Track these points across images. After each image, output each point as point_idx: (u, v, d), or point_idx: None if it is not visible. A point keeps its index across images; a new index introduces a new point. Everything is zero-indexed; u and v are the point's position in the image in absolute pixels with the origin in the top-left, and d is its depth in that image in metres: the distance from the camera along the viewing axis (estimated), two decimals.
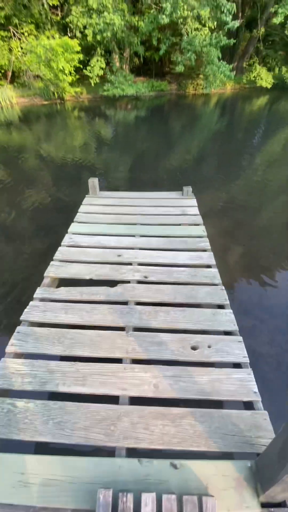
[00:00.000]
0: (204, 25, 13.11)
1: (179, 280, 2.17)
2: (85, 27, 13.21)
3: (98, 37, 13.11)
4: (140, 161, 6.62)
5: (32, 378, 1.48)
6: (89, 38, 13.08)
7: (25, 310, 1.91)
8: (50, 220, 3.93)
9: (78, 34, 13.52)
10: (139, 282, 2.18)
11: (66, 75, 12.85)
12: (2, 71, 14.27)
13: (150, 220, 2.96)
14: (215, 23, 13.03)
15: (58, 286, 2.18)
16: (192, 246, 2.55)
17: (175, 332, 1.78)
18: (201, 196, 3.68)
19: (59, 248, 2.51)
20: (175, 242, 2.61)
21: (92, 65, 13.95)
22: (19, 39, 13.81)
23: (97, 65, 13.97)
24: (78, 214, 3.06)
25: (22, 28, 13.82)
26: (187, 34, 13.09)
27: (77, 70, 13.55)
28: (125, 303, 2.00)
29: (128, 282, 2.17)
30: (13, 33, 13.89)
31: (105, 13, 12.36)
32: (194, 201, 3.33)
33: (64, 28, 14.73)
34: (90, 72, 13.98)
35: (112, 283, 2.15)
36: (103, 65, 14.17)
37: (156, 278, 2.19)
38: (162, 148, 7.44)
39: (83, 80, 14.75)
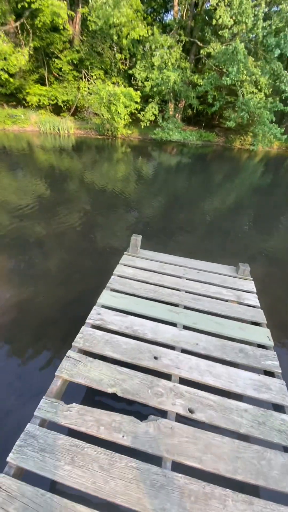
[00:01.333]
0: (260, 90, 13.46)
1: (241, 430, 1.45)
2: (146, 79, 14.19)
3: (155, 89, 13.99)
4: (174, 204, 6.25)
5: None
6: (147, 89, 14.00)
7: (17, 443, 1.29)
8: (78, 271, 3.46)
9: (140, 84, 14.49)
10: (181, 417, 1.51)
11: (121, 119, 13.56)
12: (68, 105, 15.40)
13: (197, 303, 2.32)
14: (271, 90, 13.36)
15: (69, 401, 1.55)
16: (253, 362, 1.85)
17: None
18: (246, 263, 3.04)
19: (83, 328, 1.92)
20: (231, 349, 1.93)
21: (146, 110, 14.69)
22: (88, 80, 15.02)
23: (150, 111, 14.68)
24: (112, 277, 2.52)
25: (92, 71, 15.06)
26: (243, 96, 13.45)
27: (132, 113, 14.27)
28: (157, 461, 1.30)
29: (165, 413, 1.51)
30: (84, 75, 15.18)
31: (165, 70, 13.22)
32: (251, 285, 2.66)
33: (129, 77, 15.90)
34: (143, 116, 14.69)
35: (141, 413, 1.50)
36: (156, 112, 14.84)
37: (206, 417, 1.49)
38: (199, 194, 7.11)
39: (136, 122, 15.46)
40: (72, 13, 13.74)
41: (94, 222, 4.76)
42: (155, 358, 1.78)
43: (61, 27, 13.21)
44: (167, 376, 1.71)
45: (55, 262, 3.54)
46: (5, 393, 1.98)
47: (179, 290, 2.46)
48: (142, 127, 15.01)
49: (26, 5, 11.79)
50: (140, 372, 1.68)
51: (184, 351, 1.87)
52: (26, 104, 15.05)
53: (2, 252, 3.60)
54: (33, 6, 11.85)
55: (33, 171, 7.78)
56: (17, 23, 13.04)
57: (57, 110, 15.73)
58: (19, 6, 12.02)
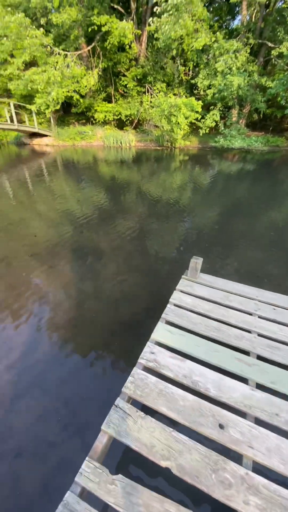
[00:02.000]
0: None
1: None
2: (208, 87, 13.78)
3: (217, 96, 13.44)
4: (235, 215, 5.61)
5: None
6: (209, 97, 13.56)
7: None
8: (130, 292, 3.28)
9: (202, 92, 14.14)
10: None
11: (180, 129, 13.41)
12: (130, 119, 16.01)
13: (275, 353, 1.83)
14: None
15: (114, 463, 1.31)
16: None
17: None
18: None
19: (134, 370, 1.66)
20: None
21: (206, 118, 14.21)
22: (151, 94, 15.35)
23: (211, 117, 14.14)
24: (168, 306, 2.22)
25: (155, 85, 15.34)
26: None
27: (192, 122, 13.97)
28: None
29: None
30: (148, 89, 15.59)
31: (228, 76, 12.58)
32: None
33: (191, 86, 15.71)
34: (202, 123, 14.23)
35: (202, 502, 1.15)
36: (217, 118, 14.20)
37: None
38: (264, 205, 6.27)
39: (195, 131, 15.08)
40: (139, 31, 14.29)
41: (147, 235, 4.58)
42: (221, 426, 1.40)
43: (127, 46, 13.86)
44: (237, 456, 1.32)
45: (104, 277, 3.43)
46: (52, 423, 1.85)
47: (249, 331, 2.01)
48: (201, 134, 14.56)
49: (96, 28, 12.74)
50: (201, 445, 1.33)
51: (259, 421, 1.45)
52: (93, 121, 16.19)
53: (54, 262, 3.68)
54: (103, 29, 12.72)
55: (95, 182, 8.13)
56: (89, 47, 14.19)
57: (120, 124, 16.49)
58: (89, 29, 13.06)
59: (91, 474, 1.20)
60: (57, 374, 2.19)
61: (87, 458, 1.26)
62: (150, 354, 1.77)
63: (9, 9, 12.19)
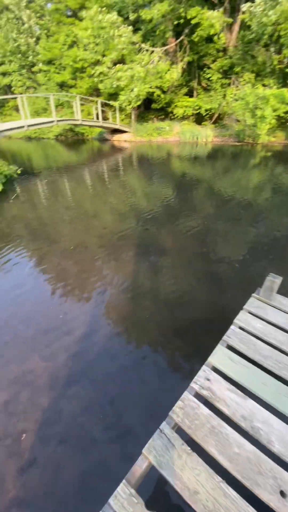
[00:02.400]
0: None
1: None
2: None
3: None
4: None
5: None
6: None
7: None
8: (189, 299, 3.08)
9: None
10: None
11: (266, 124, 12.05)
12: (210, 113, 15.26)
13: None
14: None
15: (149, 501, 1.18)
16: None
17: None
18: None
19: (185, 395, 1.48)
20: None
21: None
22: (236, 86, 14.24)
23: None
24: (232, 328, 1.95)
25: (242, 76, 14.14)
26: None
27: (279, 116, 12.38)
28: None
29: None
30: (233, 81, 14.51)
31: None
32: None
33: (284, 76, 13.89)
34: None
35: None
36: None
37: None
38: None
39: (283, 124, 13.33)
40: (230, 20, 13.29)
41: (214, 238, 4.23)
42: (283, 494, 1.13)
43: (216, 37, 13.08)
44: None
45: (163, 278, 3.30)
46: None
47: None
48: None
49: (184, 21, 12.36)
50: (253, 509, 1.09)
51: None
52: (172, 117, 16.06)
53: (118, 255, 3.73)
54: (192, 22, 12.28)
55: (166, 178, 8.04)
56: (177, 41, 13.95)
57: (199, 119, 15.89)
58: (178, 23, 12.76)
59: (125, 501, 1.12)
60: (106, 367, 2.21)
61: (124, 481, 1.18)
62: (205, 380, 1.58)
63: (104, 9, 12.88)
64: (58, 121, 10.82)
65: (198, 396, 1.51)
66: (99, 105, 12.69)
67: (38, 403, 1.95)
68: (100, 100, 13.15)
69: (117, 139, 15.54)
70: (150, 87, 13.73)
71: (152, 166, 9.62)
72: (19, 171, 6.70)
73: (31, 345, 2.43)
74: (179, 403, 1.45)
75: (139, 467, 1.23)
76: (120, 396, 1.99)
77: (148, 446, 1.29)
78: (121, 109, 15.07)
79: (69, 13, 17.89)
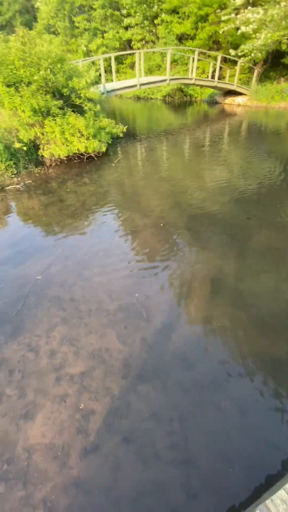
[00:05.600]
0: None
1: None
2: None
3: None
4: None
5: None
6: None
7: None
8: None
9: None
10: None
11: None
12: None
13: None
14: None
15: None
16: None
17: None
18: None
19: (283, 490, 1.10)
20: None
21: None
22: None
23: None
24: None
25: None
26: None
27: None
28: None
29: None
30: None
31: None
32: None
33: None
34: None
35: None
36: None
37: None
38: None
39: None
40: None
41: None
42: None
43: None
44: None
45: (253, 284, 2.68)
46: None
47: None
48: None
49: None
50: None
51: None
52: None
53: (206, 239, 3.23)
54: None
55: (275, 153, 6.53)
56: None
57: None
58: None
59: None
60: (180, 377, 1.96)
61: None
62: None
63: None
64: (170, 79, 9.99)
65: None
66: (218, 61, 10.98)
67: (109, 387, 1.90)
68: (220, 55, 11.34)
69: (229, 102, 13.54)
70: (283, 35, 10.86)
71: (264, 137, 8.01)
72: (124, 129, 6.57)
73: (111, 321, 2.39)
74: (281, 492, 1.06)
75: None
76: (190, 415, 1.74)
77: None
78: (242, 68, 12.73)
79: None
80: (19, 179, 5.33)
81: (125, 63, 20.01)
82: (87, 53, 20.62)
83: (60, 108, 5.65)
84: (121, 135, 6.63)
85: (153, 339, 2.25)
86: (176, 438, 1.64)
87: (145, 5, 17.29)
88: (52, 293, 2.68)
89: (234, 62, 12.73)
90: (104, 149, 6.07)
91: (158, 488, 1.44)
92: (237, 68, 12.02)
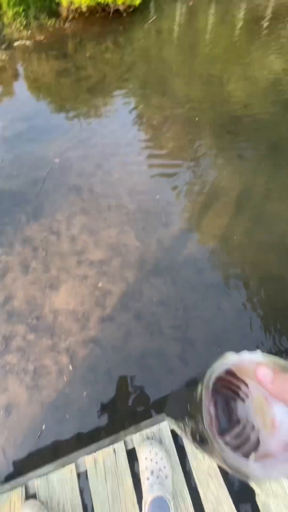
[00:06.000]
0: None
1: None
2: None
3: None
4: None
5: None
6: None
7: None
8: None
9: None
10: None
11: None
12: None
13: None
14: None
15: None
16: None
17: None
18: None
19: None
20: None
21: None
22: None
23: None
24: None
25: None
26: None
27: None
28: None
29: None
30: None
31: None
32: None
33: None
34: None
35: None
36: None
37: None
38: None
39: None
40: None
41: None
42: None
43: None
44: None
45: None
46: None
47: None
48: None
49: None
50: None
51: None
52: None
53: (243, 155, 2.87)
54: None
55: None
56: None
57: None
58: None
59: None
60: (190, 277, 2.11)
61: None
62: None
63: None
64: None
65: None
66: None
67: (125, 276, 2.07)
68: None
69: None
70: None
71: None
72: None
73: (130, 219, 2.37)
74: None
75: None
76: (193, 308, 1.97)
77: None
78: None
79: None
80: (29, 33, 4.17)
81: None
82: None
83: None
84: None
85: (169, 242, 2.29)
86: (179, 322, 1.90)
87: None
88: (71, 180, 2.54)
89: None
90: (137, 2, 4.49)
91: (159, 354, 1.78)
92: None
